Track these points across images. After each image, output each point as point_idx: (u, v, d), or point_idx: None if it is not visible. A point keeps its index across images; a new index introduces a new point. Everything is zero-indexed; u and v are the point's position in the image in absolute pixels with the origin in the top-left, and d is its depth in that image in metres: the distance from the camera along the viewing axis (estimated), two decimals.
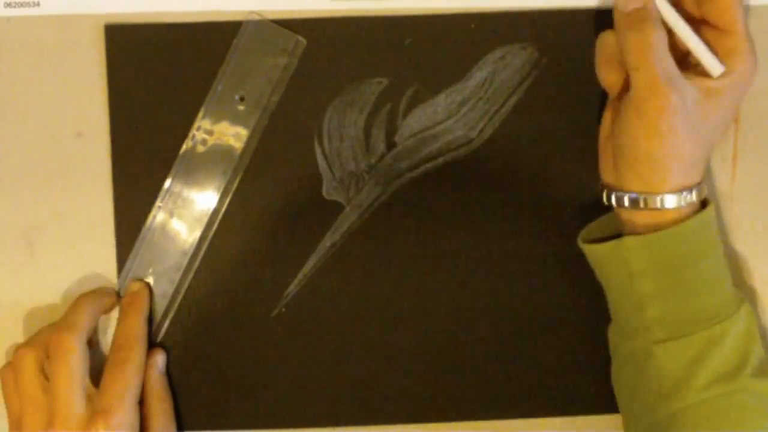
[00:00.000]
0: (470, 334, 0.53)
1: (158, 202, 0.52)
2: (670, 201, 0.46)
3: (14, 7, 0.52)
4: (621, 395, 0.50)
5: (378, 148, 0.53)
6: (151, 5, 0.52)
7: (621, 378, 0.50)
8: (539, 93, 0.53)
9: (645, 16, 0.46)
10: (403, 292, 0.53)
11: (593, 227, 0.51)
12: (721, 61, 0.47)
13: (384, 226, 0.53)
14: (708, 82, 0.47)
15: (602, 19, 0.52)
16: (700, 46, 0.47)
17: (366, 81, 0.53)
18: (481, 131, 0.53)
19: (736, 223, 0.53)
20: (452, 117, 0.53)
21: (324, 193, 0.53)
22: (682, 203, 0.46)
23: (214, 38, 0.52)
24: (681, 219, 0.46)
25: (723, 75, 0.46)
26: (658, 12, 0.47)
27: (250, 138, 0.52)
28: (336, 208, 0.53)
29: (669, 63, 0.46)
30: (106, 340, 0.53)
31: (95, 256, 0.53)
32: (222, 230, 0.53)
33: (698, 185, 0.47)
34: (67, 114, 0.53)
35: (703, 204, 0.48)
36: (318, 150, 0.53)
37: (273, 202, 0.53)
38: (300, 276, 0.53)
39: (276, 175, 0.53)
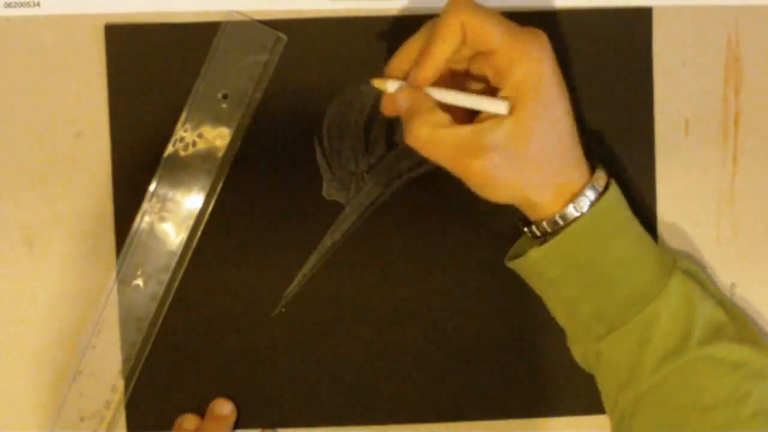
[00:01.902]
0: (471, 333, 0.53)
1: (144, 205, 0.52)
2: (558, 219, 0.46)
3: (14, 7, 0.52)
4: (603, 399, 0.51)
5: (378, 148, 0.53)
6: (151, 5, 0.52)
7: (599, 384, 0.50)
8: None
9: (413, 110, 0.45)
10: (403, 292, 0.53)
11: (522, 242, 0.51)
12: (503, 96, 0.44)
13: (384, 226, 0.53)
14: (508, 118, 0.44)
15: (602, 19, 0.53)
16: (477, 101, 0.45)
17: (366, 81, 0.52)
18: None
19: (736, 223, 0.53)
20: None
21: (324, 193, 0.53)
22: (574, 212, 0.46)
23: (209, 38, 0.52)
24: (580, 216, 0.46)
25: (512, 102, 0.44)
26: (427, 100, 0.45)
27: (234, 136, 0.52)
28: (336, 208, 0.53)
29: (457, 136, 0.44)
30: (105, 340, 0.53)
31: (95, 257, 0.53)
32: (216, 230, 0.53)
33: (585, 185, 0.46)
34: (67, 114, 0.53)
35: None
36: (318, 150, 0.53)
37: (271, 202, 0.53)
38: (300, 276, 0.53)
39: (275, 175, 0.53)
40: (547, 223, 0.46)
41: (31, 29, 0.52)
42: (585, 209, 0.46)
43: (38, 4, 0.52)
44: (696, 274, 0.49)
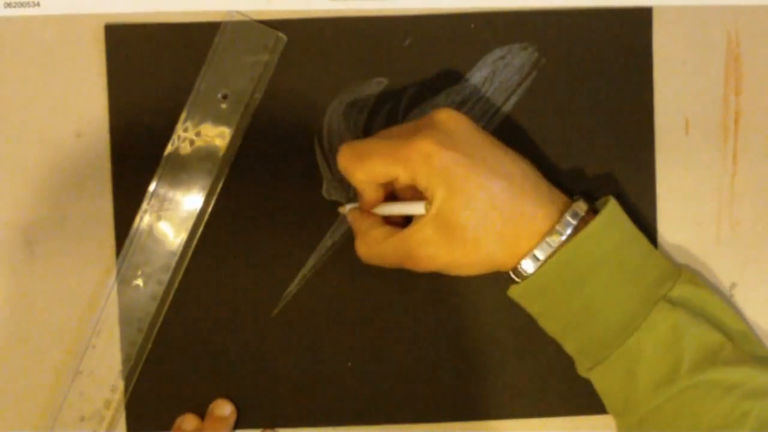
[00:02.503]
0: (471, 333, 0.53)
1: (144, 205, 0.52)
2: (528, 266, 0.46)
3: (14, 7, 0.52)
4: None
5: None
6: (151, 5, 0.52)
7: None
8: (539, 93, 0.53)
9: (355, 231, 0.50)
10: (403, 292, 0.53)
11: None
12: (419, 198, 0.47)
13: None
14: (427, 214, 0.46)
15: (602, 19, 0.53)
16: (404, 207, 0.48)
17: (366, 81, 0.53)
18: None
19: (736, 223, 0.53)
20: None
21: (324, 193, 0.53)
22: (530, 267, 0.46)
23: (209, 38, 0.52)
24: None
25: (427, 200, 0.46)
26: (366, 221, 0.49)
27: (233, 136, 0.52)
28: (336, 208, 0.53)
29: (391, 247, 0.47)
30: (105, 340, 0.53)
31: (95, 257, 0.53)
32: (215, 230, 0.53)
33: (551, 230, 0.46)
34: (67, 114, 0.53)
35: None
36: (318, 150, 0.53)
37: (271, 202, 0.53)
38: (300, 276, 0.53)
39: (275, 175, 0.53)
40: (514, 274, 0.47)
41: (31, 29, 0.52)
42: (532, 270, 0.46)
43: (38, 4, 0.52)
44: (697, 296, 0.48)
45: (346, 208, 0.51)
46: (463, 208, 0.45)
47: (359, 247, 0.49)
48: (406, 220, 0.49)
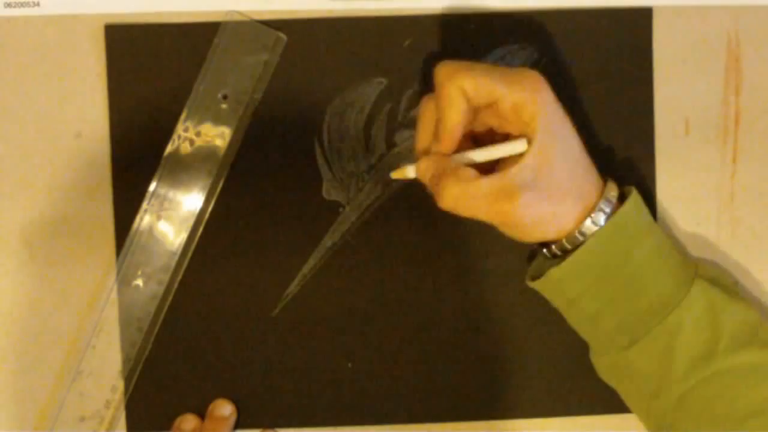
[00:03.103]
0: (471, 333, 0.53)
1: (144, 205, 0.52)
2: (578, 235, 0.46)
3: (14, 7, 0.52)
4: (633, 408, 0.51)
5: (378, 148, 0.53)
6: (151, 5, 0.52)
7: (624, 395, 0.50)
8: None
9: (439, 175, 0.45)
10: (402, 292, 0.53)
11: (539, 261, 0.51)
12: (518, 135, 0.45)
13: (384, 226, 0.53)
14: (528, 154, 0.45)
15: (602, 19, 0.53)
16: (495, 150, 0.46)
17: (366, 81, 0.53)
18: None
19: (736, 223, 0.53)
20: None
21: (324, 193, 0.53)
22: (592, 227, 0.46)
23: (209, 38, 0.52)
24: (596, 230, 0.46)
25: (527, 136, 0.45)
26: (449, 162, 0.46)
27: (233, 136, 0.52)
28: (336, 208, 0.53)
29: (487, 185, 0.44)
30: (105, 340, 0.53)
31: (95, 257, 0.53)
32: (215, 230, 0.53)
33: (599, 199, 0.46)
34: (67, 114, 0.53)
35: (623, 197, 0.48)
36: (318, 150, 0.53)
37: (271, 202, 0.53)
38: (300, 276, 0.53)
39: (275, 175, 0.53)
40: (567, 241, 0.46)
41: (31, 29, 0.52)
42: (602, 222, 0.46)
43: (38, 4, 0.52)
44: (719, 278, 0.49)
45: (409, 169, 0.47)
46: (559, 151, 0.45)
47: (449, 188, 0.44)
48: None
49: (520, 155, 0.45)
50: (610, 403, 0.52)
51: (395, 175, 0.48)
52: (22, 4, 0.52)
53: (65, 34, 0.52)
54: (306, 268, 0.53)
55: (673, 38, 0.53)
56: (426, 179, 0.46)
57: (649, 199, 0.53)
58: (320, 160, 0.53)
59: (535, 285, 0.49)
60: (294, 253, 0.53)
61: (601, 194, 0.47)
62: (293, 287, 0.53)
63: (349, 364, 0.53)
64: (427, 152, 0.47)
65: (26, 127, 0.53)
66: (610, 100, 0.53)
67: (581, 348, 0.52)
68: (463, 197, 0.44)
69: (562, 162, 0.45)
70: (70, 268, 0.53)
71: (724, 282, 0.49)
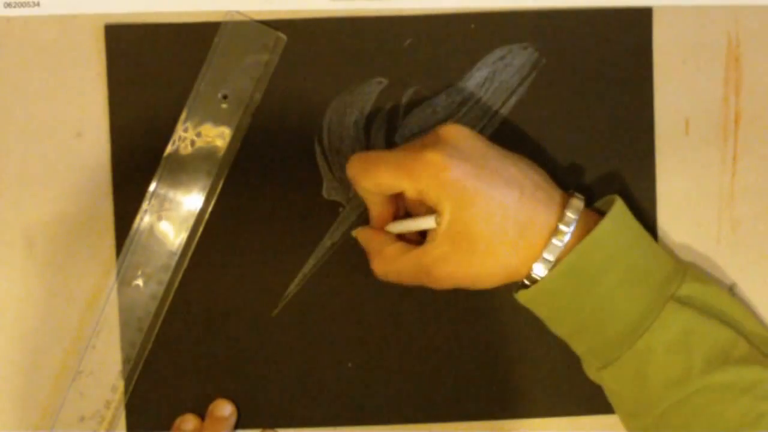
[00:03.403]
0: (470, 333, 0.53)
1: (144, 205, 0.52)
2: (539, 270, 0.46)
3: (14, 7, 0.52)
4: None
5: (378, 148, 0.53)
6: (151, 5, 0.52)
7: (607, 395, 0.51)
8: (539, 93, 0.53)
9: (369, 251, 0.50)
10: (402, 292, 0.53)
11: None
12: (430, 212, 0.47)
13: None
14: (439, 227, 0.46)
15: (602, 19, 0.52)
16: (415, 223, 0.48)
17: (366, 81, 0.53)
18: (481, 131, 0.53)
19: (736, 223, 0.53)
20: (452, 117, 0.53)
21: (324, 193, 0.53)
22: (541, 271, 0.46)
23: (209, 38, 0.52)
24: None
25: (437, 214, 0.46)
26: (380, 240, 0.49)
27: (233, 136, 0.52)
28: (336, 208, 0.53)
29: (408, 262, 0.47)
30: (105, 340, 0.53)
31: (95, 257, 0.53)
32: (215, 230, 0.53)
33: (555, 230, 0.46)
34: (67, 114, 0.53)
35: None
36: (318, 150, 0.53)
37: (271, 202, 0.53)
38: (300, 276, 0.53)
39: (275, 175, 0.53)
40: (526, 279, 0.47)
41: (31, 29, 0.52)
42: (543, 274, 0.46)
43: (38, 4, 0.52)
44: (706, 293, 0.48)
45: (357, 231, 0.51)
46: (476, 220, 0.45)
47: (377, 265, 0.49)
48: (422, 239, 0.49)
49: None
50: (609, 403, 0.52)
51: (353, 233, 0.52)
52: (22, 4, 0.52)
53: (65, 34, 0.52)
54: (306, 268, 0.53)
55: (673, 38, 0.53)
56: (365, 249, 0.50)
57: (650, 199, 0.53)
58: (320, 160, 0.53)
59: (515, 297, 0.49)
60: (294, 253, 0.53)
61: (548, 239, 0.46)
62: (293, 287, 0.53)
63: (349, 364, 0.53)
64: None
65: (26, 127, 0.53)
66: (610, 100, 0.53)
67: None
68: (389, 274, 0.49)
69: (484, 225, 0.45)
70: (70, 268, 0.53)
71: (710, 296, 0.48)
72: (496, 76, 0.53)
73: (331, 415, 0.53)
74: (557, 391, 0.53)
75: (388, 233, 0.50)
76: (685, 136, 0.53)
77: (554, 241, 0.45)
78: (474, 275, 0.46)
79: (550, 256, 0.46)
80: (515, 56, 0.53)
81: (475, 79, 0.53)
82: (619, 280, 0.46)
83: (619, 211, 0.47)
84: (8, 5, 0.52)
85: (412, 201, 0.48)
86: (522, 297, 0.48)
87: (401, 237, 0.50)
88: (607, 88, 0.53)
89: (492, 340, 0.53)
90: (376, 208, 0.50)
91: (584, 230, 0.46)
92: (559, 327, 0.48)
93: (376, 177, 0.47)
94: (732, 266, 0.53)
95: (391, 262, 0.48)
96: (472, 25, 0.53)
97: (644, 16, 0.53)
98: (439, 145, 0.46)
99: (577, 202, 0.47)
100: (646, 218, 0.53)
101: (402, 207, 0.50)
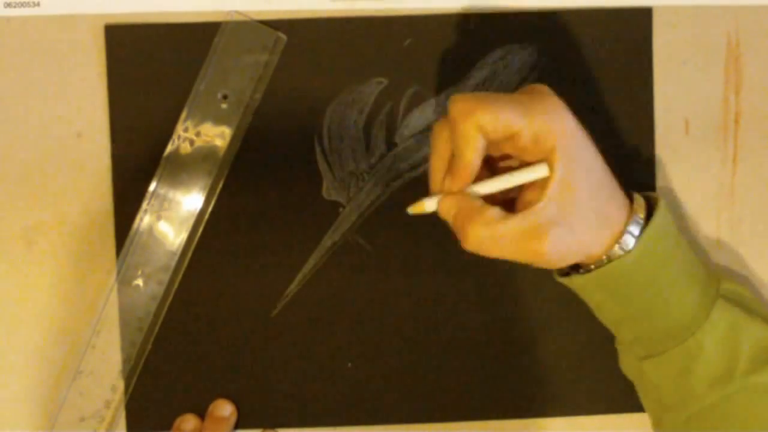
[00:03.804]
0: (470, 333, 0.53)
1: (144, 205, 0.52)
2: (618, 251, 0.44)
3: (14, 7, 0.52)
4: (647, 411, 0.51)
5: (378, 148, 0.53)
6: (151, 5, 0.52)
7: (639, 394, 0.50)
8: None
9: (463, 216, 0.44)
10: (403, 292, 0.53)
11: None
12: (539, 160, 0.43)
13: (384, 226, 0.53)
14: (551, 184, 0.43)
15: (602, 19, 0.53)
16: (516, 177, 0.44)
17: (366, 81, 0.53)
18: None
19: (736, 223, 0.53)
20: None
21: (324, 193, 0.53)
22: (620, 252, 0.44)
23: (209, 38, 0.52)
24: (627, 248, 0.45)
25: (548, 166, 0.43)
26: (472, 201, 0.44)
27: (234, 136, 0.52)
28: (336, 208, 0.53)
29: (514, 226, 0.42)
30: (105, 340, 0.53)
31: (95, 257, 0.53)
32: (215, 230, 0.53)
33: (627, 221, 0.44)
34: (67, 114, 0.53)
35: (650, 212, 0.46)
36: (318, 150, 0.53)
37: (271, 202, 0.53)
38: (300, 276, 0.53)
39: (275, 175, 0.53)
40: (594, 265, 0.45)
41: (31, 29, 0.52)
42: (630, 246, 0.44)
43: (38, 4, 0.52)
44: (740, 293, 0.48)
45: (428, 202, 0.45)
46: (582, 179, 0.43)
47: (474, 231, 0.43)
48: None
49: (541, 185, 0.43)
50: (611, 403, 0.52)
51: (413, 210, 0.46)
52: (22, 4, 0.52)
53: (65, 34, 0.52)
54: (306, 268, 0.53)
55: (673, 38, 0.53)
56: (449, 218, 0.44)
57: None
58: (320, 160, 0.53)
59: (563, 281, 0.48)
60: (294, 253, 0.53)
61: (629, 216, 0.45)
62: (293, 287, 0.53)
63: (349, 364, 0.53)
64: (442, 183, 0.45)
65: (26, 127, 0.53)
66: (610, 100, 0.53)
67: (582, 349, 0.52)
68: (490, 239, 0.43)
69: (586, 190, 0.43)
70: (70, 267, 0.53)
71: (744, 296, 0.48)
72: (496, 76, 0.53)
73: (331, 415, 0.53)
74: (558, 391, 0.53)
75: (476, 198, 0.44)
76: (685, 136, 0.53)
77: (629, 228, 0.44)
78: (580, 242, 0.43)
79: (631, 237, 0.44)
80: (515, 56, 0.53)
81: (475, 79, 0.53)
82: (678, 272, 0.46)
83: (666, 207, 0.46)
84: (8, 5, 0.52)
85: (515, 149, 0.44)
86: (578, 280, 0.45)
87: None
88: (607, 88, 0.53)
89: (493, 341, 0.53)
90: (470, 158, 0.43)
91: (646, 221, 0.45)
92: (610, 313, 0.47)
93: (497, 111, 0.42)
94: (732, 266, 0.53)
95: (495, 226, 0.42)
96: (472, 25, 0.53)
97: (644, 16, 0.53)
98: (551, 95, 0.44)
99: (637, 197, 0.46)
100: None
101: (481, 169, 0.45)
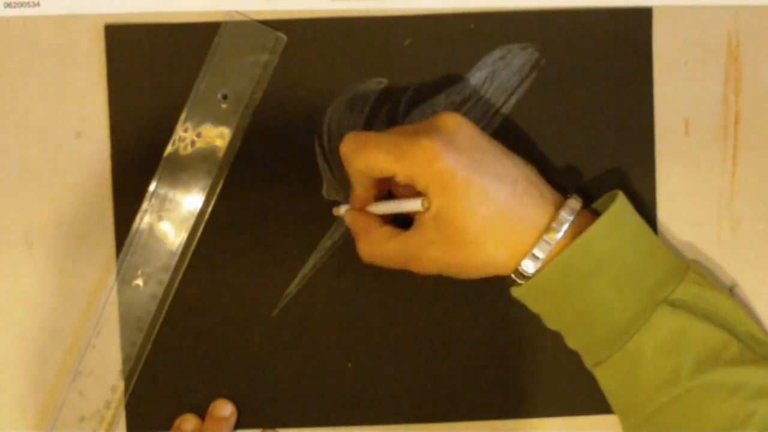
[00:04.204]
0: (470, 333, 0.53)
1: (144, 205, 0.52)
2: (528, 266, 0.46)
3: (14, 7, 0.52)
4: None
5: None
6: (151, 5, 0.52)
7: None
8: (539, 93, 0.53)
9: (355, 232, 0.50)
10: (402, 292, 0.53)
11: None
12: (418, 194, 0.46)
13: None
14: (428, 213, 0.46)
15: (602, 19, 0.53)
16: (399, 205, 0.48)
17: (366, 81, 0.53)
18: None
19: (736, 223, 0.53)
20: None
21: (324, 193, 0.53)
22: (530, 268, 0.45)
23: (209, 38, 0.52)
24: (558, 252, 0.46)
25: (424, 198, 0.46)
26: (367, 220, 0.50)
27: (233, 136, 0.52)
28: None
29: (395, 247, 0.48)
30: (105, 340, 0.53)
31: (95, 257, 0.53)
32: (215, 230, 0.53)
33: (548, 228, 0.45)
34: (67, 114, 0.53)
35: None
36: (318, 150, 0.53)
37: (271, 202, 0.53)
38: (300, 276, 0.53)
39: (275, 175, 0.53)
40: (515, 276, 0.47)
41: (30, 29, 0.52)
42: (530, 270, 0.45)
43: (38, 4, 0.52)
44: (698, 296, 0.47)
45: (342, 210, 0.51)
46: (464, 212, 0.45)
47: (362, 247, 0.49)
48: (403, 223, 0.49)
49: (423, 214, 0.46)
50: (608, 403, 0.52)
51: (335, 212, 0.52)
52: (22, 4, 0.52)
53: (65, 34, 0.52)
54: (306, 268, 0.53)
55: (673, 38, 0.53)
56: (351, 229, 0.50)
57: (650, 199, 0.53)
58: (320, 160, 0.53)
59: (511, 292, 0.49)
60: (294, 253, 0.53)
61: (537, 238, 0.46)
62: (293, 287, 0.53)
63: (349, 364, 0.53)
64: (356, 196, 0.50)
65: (26, 127, 0.53)
66: (610, 100, 0.53)
67: None
68: (374, 256, 0.49)
69: (471, 217, 0.45)
70: (70, 268, 0.53)
71: (707, 296, 0.47)
72: (496, 76, 0.53)
73: (331, 415, 0.53)
74: (557, 391, 0.53)
75: (374, 215, 0.50)
76: (685, 136, 0.53)
77: (545, 238, 0.45)
78: (459, 265, 0.47)
79: (540, 254, 0.45)
80: (515, 56, 0.53)
81: (475, 79, 0.53)
82: (610, 281, 0.46)
83: (616, 210, 0.47)
84: (8, 5, 0.52)
85: (399, 186, 0.48)
86: (515, 292, 0.48)
87: (385, 220, 0.50)
88: (607, 88, 0.53)
89: (492, 341, 0.53)
90: (362, 189, 0.49)
91: (579, 231, 0.46)
92: (552, 323, 0.49)
93: (369, 159, 0.46)
94: (732, 266, 0.53)
95: (378, 245, 0.48)
96: (472, 25, 0.53)
97: (644, 16, 0.53)
98: (434, 133, 0.45)
99: (574, 203, 0.47)
100: (647, 218, 0.53)
101: (385, 188, 0.50)
